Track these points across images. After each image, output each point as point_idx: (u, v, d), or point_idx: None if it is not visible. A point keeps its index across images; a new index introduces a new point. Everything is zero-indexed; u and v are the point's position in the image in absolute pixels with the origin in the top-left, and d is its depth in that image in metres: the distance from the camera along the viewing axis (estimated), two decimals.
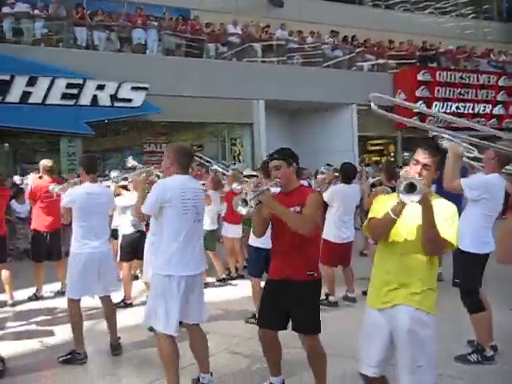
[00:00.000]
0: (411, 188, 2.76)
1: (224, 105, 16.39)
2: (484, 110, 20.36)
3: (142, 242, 6.96)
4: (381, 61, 20.20)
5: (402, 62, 20.06)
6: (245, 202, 3.73)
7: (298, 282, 3.89)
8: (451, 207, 3.11)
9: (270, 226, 4.11)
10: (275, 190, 4.05)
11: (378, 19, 21.86)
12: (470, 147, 4.05)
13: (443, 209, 3.05)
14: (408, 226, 3.08)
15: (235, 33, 17.70)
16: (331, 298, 6.90)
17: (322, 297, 6.80)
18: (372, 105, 2.98)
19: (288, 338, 4.19)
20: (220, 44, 17.44)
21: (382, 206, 3.20)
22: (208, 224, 8.05)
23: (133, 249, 7.03)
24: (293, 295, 3.91)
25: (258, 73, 16.97)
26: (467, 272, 4.91)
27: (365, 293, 7.16)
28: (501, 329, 4.88)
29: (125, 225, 7.06)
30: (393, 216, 3.00)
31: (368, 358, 3.20)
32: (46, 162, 7.75)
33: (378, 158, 20.55)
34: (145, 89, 14.90)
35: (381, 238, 3.21)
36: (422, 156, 3.09)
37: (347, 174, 7.09)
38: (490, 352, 4.75)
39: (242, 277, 8.54)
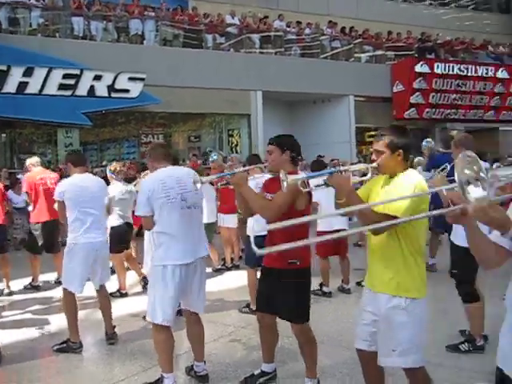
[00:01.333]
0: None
1: (222, 96, 16.38)
2: (481, 102, 20.36)
3: (130, 234, 7.25)
4: (379, 52, 20.15)
5: (400, 54, 20.02)
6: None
7: (280, 270, 3.89)
8: (406, 183, 3.09)
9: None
10: (261, 175, 4.06)
11: (377, 10, 21.82)
12: None
13: (399, 187, 3.08)
14: None
15: (233, 23, 17.65)
16: (325, 289, 6.94)
17: (316, 287, 6.88)
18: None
19: (282, 327, 4.22)
20: (218, 35, 17.40)
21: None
22: (206, 217, 8.07)
23: (122, 240, 7.05)
24: (276, 282, 3.92)
25: (255, 64, 16.96)
26: (462, 265, 4.92)
27: (359, 283, 7.25)
28: (493, 319, 4.92)
29: (113, 216, 7.07)
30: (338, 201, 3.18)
31: (361, 331, 3.27)
32: (31, 161, 7.88)
33: None
34: (142, 79, 14.88)
35: None
36: (373, 144, 3.24)
37: (316, 166, 7.17)
38: (481, 341, 4.81)
39: (237, 267, 8.60)
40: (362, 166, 3.22)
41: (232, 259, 8.81)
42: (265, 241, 4.15)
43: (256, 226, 4.98)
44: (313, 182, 3.52)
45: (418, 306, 3.10)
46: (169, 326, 4.10)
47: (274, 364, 4.29)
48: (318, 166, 7.12)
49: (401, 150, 3.14)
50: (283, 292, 3.90)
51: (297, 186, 3.26)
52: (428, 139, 9.38)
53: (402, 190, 3.03)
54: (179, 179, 4.17)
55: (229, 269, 8.66)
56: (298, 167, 4.13)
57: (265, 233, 4.14)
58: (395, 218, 2.81)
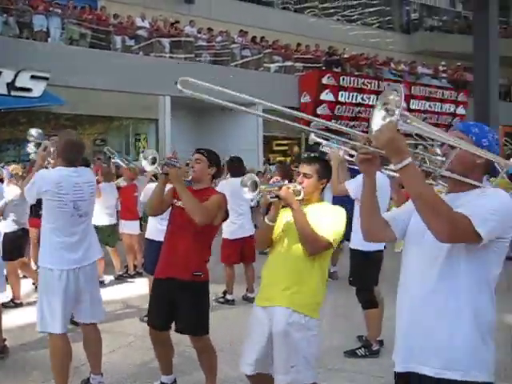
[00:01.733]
0: (255, 186, 3.07)
1: (130, 99, 16.07)
2: None
3: (25, 240, 6.91)
4: (288, 63, 20.55)
5: (308, 66, 20.52)
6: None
7: (183, 282, 3.82)
8: (336, 209, 3.28)
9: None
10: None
11: (287, 22, 22.29)
12: (350, 150, 4.31)
13: (327, 211, 3.23)
14: (287, 229, 3.22)
15: (143, 26, 17.37)
16: (228, 296, 6.91)
17: (220, 294, 6.86)
18: (178, 87, 2.14)
19: (181, 336, 4.15)
20: (127, 37, 17.04)
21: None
22: (106, 219, 7.87)
23: (15, 247, 6.67)
24: (177, 295, 3.84)
25: (164, 68, 16.70)
26: (360, 270, 5.08)
27: None
28: (387, 324, 5.11)
29: (7, 222, 6.69)
30: (268, 222, 3.20)
31: (247, 355, 3.24)
32: None
33: (283, 158, 20.93)
34: (46, 78, 14.27)
35: (262, 246, 3.43)
36: (301, 167, 3.34)
37: (234, 167, 7.14)
38: (376, 346, 4.99)
39: (140, 274, 8.39)
40: (297, 186, 3.21)
41: (135, 266, 8.60)
42: (161, 247, 4.08)
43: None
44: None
45: (316, 324, 3.17)
46: (65, 335, 3.91)
47: (173, 375, 4.20)
48: (237, 167, 7.07)
49: (325, 180, 3.31)
50: (185, 304, 3.82)
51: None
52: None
53: (335, 215, 3.20)
54: (77, 185, 3.99)
55: (131, 276, 8.46)
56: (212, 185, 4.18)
57: (161, 238, 4.11)
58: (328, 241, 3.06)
